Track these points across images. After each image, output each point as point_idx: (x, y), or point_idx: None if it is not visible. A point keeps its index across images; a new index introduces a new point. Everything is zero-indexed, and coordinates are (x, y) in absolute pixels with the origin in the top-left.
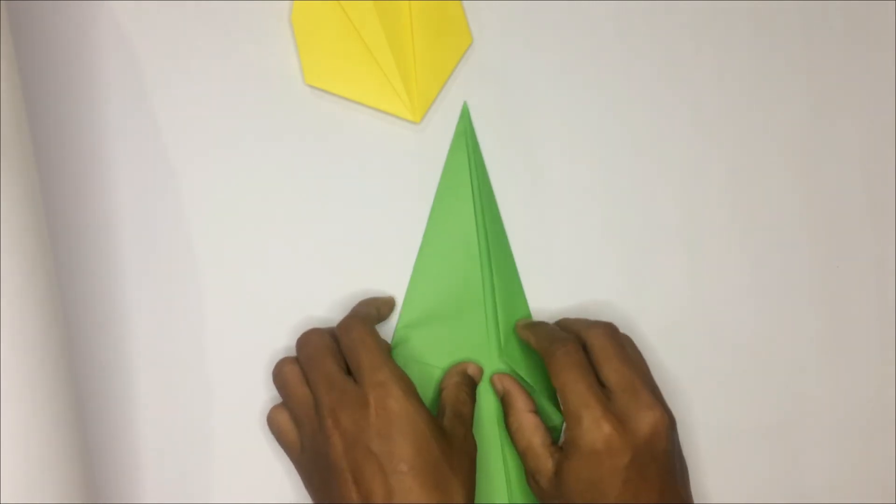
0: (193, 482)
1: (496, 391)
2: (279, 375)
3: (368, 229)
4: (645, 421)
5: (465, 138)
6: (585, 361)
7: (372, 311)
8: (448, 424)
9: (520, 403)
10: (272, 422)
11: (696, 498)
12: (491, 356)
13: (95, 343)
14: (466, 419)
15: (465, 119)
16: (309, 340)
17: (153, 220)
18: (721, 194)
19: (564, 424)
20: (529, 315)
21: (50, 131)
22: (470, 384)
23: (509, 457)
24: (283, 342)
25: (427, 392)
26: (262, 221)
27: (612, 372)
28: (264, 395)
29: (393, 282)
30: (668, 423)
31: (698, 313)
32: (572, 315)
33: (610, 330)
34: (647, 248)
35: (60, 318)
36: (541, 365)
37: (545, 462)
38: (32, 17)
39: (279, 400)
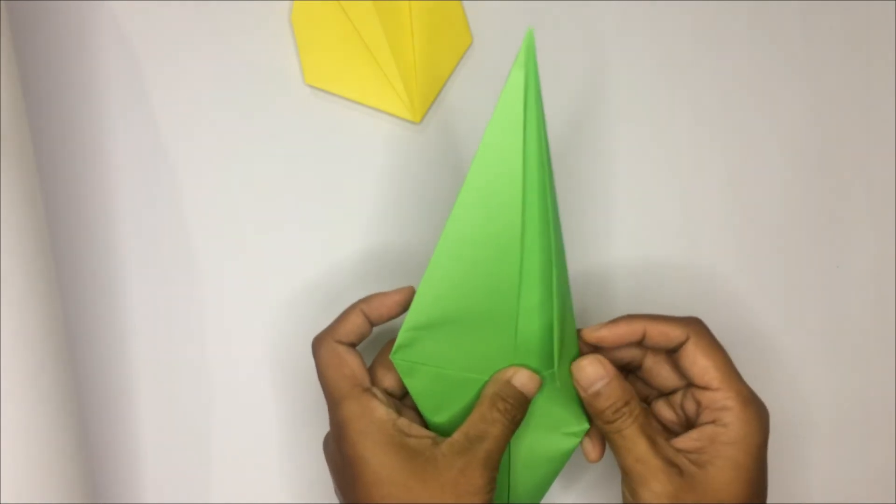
0: (193, 482)
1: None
2: None
3: (368, 229)
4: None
5: (526, 75)
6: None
7: (355, 321)
8: (446, 451)
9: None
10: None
11: None
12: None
13: (95, 343)
14: (483, 444)
15: (529, 50)
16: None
17: (153, 219)
18: (720, 193)
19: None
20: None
21: (50, 131)
22: (513, 398)
23: (514, 456)
24: (282, 342)
25: (434, 397)
26: (262, 221)
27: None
28: (264, 394)
29: (393, 282)
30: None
31: (697, 314)
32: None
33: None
34: (645, 249)
35: (60, 318)
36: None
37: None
38: (32, 17)
39: (276, 399)
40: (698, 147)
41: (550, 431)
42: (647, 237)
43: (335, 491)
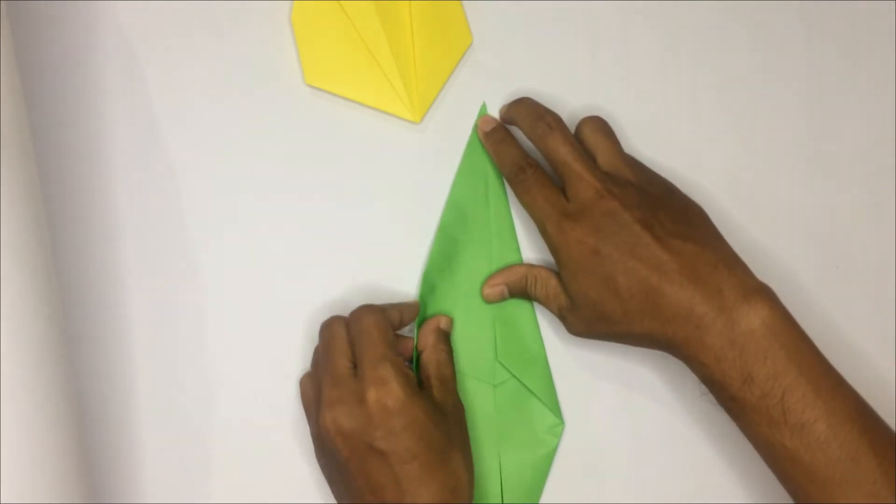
0: (193, 482)
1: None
2: (325, 330)
3: (368, 229)
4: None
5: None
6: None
7: (394, 314)
8: (438, 395)
9: (544, 272)
10: (303, 386)
11: (699, 494)
12: (490, 356)
13: (95, 343)
14: (450, 382)
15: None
16: (328, 327)
17: (153, 219)
18: (720, 193)
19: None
20: (533, 320)
21: (50, 131)
22: (445, 340)
23: (504, 458)
24: (282, 342)
25: None
26: (262, 221)
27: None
28: (265, 394)
29: (393, 281)
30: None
31: None
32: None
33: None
34: None
35: (60, 318)
36: (537, 367)
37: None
38: (32, 17)
39: (276, 399)
40: (698, 147)
41: (530, 434)
42: None
43: (333, 465)
